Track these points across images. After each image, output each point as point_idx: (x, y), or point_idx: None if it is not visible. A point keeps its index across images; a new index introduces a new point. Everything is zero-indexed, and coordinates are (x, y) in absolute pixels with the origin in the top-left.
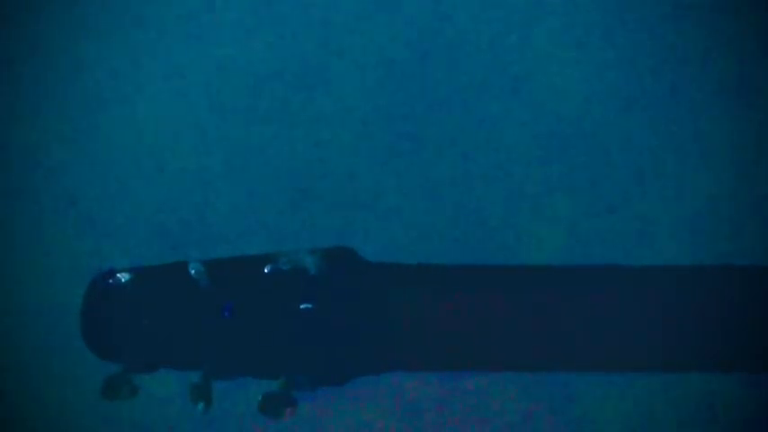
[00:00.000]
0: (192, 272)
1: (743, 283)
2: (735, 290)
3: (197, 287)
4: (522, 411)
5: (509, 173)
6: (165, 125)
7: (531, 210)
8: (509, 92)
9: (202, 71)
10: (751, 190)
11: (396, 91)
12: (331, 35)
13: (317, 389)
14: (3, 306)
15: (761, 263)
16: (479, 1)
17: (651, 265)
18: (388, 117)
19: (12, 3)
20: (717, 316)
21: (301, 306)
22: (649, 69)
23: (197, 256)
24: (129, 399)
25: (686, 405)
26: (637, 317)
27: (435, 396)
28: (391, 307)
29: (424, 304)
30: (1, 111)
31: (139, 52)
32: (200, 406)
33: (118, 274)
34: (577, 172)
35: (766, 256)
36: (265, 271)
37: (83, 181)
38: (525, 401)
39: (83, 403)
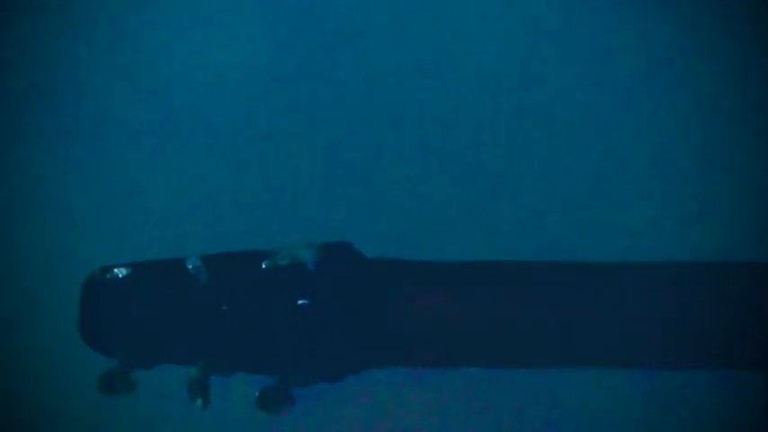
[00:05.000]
0: (190, 267)
1: (741, 281)
2: (733, 287)
3: (195, 282)
4: (523, 410)
5: (510, 171)
6: (164, 122)
7: (531, 207)
8: (511, 90)
9: (202, 70)
10: (750, 188)
11: (397, 87)
12: (332, 36)
13: (315, 385)
14: (1, 303)
15: (760, 260)
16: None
17: (650, 263)
18: (388, 112)
19: (11, 3)
20: (715, 314)
21: (299, 302)
22: (649, 68)
23: (195, 251)
24: (126, 394)
25: (684, 403)
26: (635, 314)
27: (434, 395)
28: (389, 303)
29: (422, 301)
30: (1, 111)
31: (141, 53)
32: (199, 401)
33: (115, 269)
34: (577, 170)
35: (765, 254)
36: (263, 266)
37: (82, 179)
38: (526, 400)
39: (80, 399)
